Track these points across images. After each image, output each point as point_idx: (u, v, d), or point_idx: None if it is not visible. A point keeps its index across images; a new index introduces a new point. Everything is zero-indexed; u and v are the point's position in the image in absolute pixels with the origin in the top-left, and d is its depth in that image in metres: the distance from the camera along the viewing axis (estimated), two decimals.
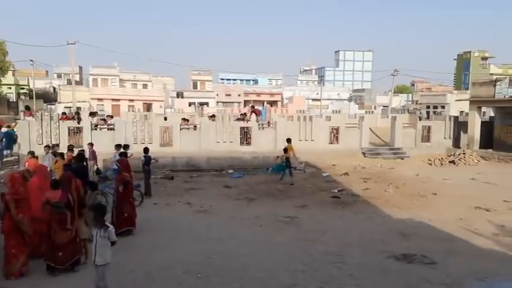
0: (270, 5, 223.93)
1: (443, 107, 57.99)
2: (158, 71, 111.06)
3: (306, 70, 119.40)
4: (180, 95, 63.92)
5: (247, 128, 23.22)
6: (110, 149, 16.18)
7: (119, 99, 55.48)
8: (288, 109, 54.09)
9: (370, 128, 26.22)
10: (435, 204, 13.39)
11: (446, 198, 14.20)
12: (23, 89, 65.90)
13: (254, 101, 63.77)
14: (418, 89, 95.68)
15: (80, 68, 73.59)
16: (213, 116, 25.86)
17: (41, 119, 20.15)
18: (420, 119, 30.28)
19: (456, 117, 28.48)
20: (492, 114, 28.76)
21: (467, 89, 63.02)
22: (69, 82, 54.32)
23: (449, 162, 22.47)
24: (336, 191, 15.38)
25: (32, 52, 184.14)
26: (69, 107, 38.95)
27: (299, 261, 8.19)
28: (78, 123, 21.10)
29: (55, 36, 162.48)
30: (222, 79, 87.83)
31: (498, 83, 24.00)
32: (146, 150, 15.02)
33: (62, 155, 13.40)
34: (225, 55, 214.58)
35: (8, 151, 20.55)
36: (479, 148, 24.80)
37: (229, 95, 69.33)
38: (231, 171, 19.74)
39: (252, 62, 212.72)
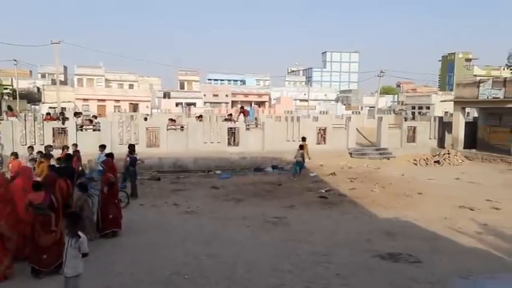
0: (258, 6, 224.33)
1: (428, 108, 58.85)
2: (145, 71, 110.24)
3: (293, 71, 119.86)
4: (167, 95, 63.58)
5: (234, 128, 23.20)
6: (95, 149, 16.01)
7: (104, 100, 54.98)
8: (275, 110, 54.26)
9: (356, 129, 26.41)
10: (420, 203, 13.55)
11: (431, 197, 14.39)
12: (6, 89, 64.59)
13: (242, 101, 63.80)
14: (403, 90, 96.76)
15: (65, 67, 72.69)
16: (201, 116, 25.79)
17: (25, 120, 19.85)
18: (406, 120, 30.64)
19: (441, 118, 28.88)
20: (476, 115, 29.23)
21: (451, 90, 63.99)
22: (53, 82, 53.57)
23: (434, 162, 22.76)
24: (323, 191, 15.46)
25: (16, 52, 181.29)
26: (54, 108, 38.45)
27: (286, 262, 8.21)
28: (63, 123, 20.82)
29: (39, 36, 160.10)
30: (209, 79, 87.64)
31: (481, 84, 24.40)
32: (132, 147, 14.86)
33: (47, 156, 13.20)
34: (213, 55, 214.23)
35: None
36: (463, 148, 25.18)
37: (217, 95, 69.22)
38: (218, 171, 19.70)
39: (240, 62, 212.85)
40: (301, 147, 18.90)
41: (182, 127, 23.70)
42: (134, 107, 54.19)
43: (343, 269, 7.86)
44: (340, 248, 9.17)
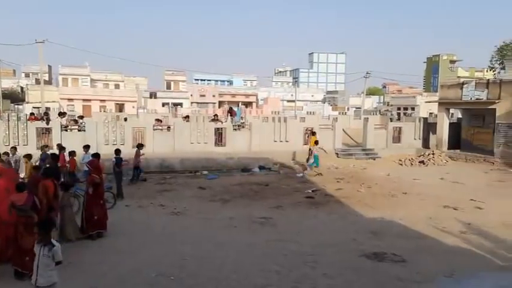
0: (245, 6, 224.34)
1: (413, 109, 59.57)
2: (131, 71, 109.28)
3: (280, 71, 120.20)
4: (153, 95, 63.13)
5: (221, 129, 23.15)
6: (80, 150, 15.80)
7: (90, 100, 54.40)
8: (263, 110, 54.34)
9: (343, 129, 26.58)
10: (406, 203, 13.70)
11: (416, 197, 14.56)
12: None
13: (229, 102, 63.68)
14: (389, 91, 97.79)
15: (49, 67, 71.66)
16: (187, 116, 25.67)
17: (8, 120, 19.50)
18: (391, 121, 30.99)
19: (425, 119, 29.25)
20: (460, 116, 29.66)
21: (436, 91, 64.74)
22: (37, 82, 52.83)
23: (419, 162, 23.03)
24: (310, 191, 15.52)
25: None
26: (38, 107, 37.86)
27: (273, 262, 8.22)
28: (47, 124, 20.52)
29: (23, 35, 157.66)
30: (196, 79, 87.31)
31: (465, 85, 24.78)
32: (118, 151, 14.76)
33: (29, 156, 13.01)
34: (200, 56, 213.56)
35: None
36: (448, 149, 25.52)
37: (204, 95, 68.94)
38: (205, 172, 19.61)
39: (227, 63, 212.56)
40: (317, 142, 20.51)
41: (169, 127, 23.56)
42: (120, 107, 53.71)
43: (329, 269, 7.90)
44: (326, 247, 9.21)
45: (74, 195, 11.71)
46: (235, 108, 29.19)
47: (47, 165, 11.52)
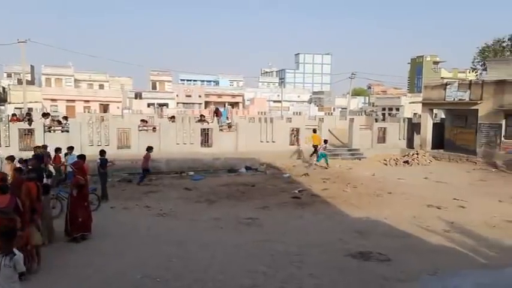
0: (230, 7, 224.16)
1: (397, 109, 60.21)
2: (115, 72, 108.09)
3: (267, 72, 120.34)
4: (138, 95, 62.60)
5: (208, 129, 23.08)
6: (64, 151, 15.60)
7: (73, 100, 53.75)
8: (249, 110, 54.34)
9: (329, 130, 26.75)
10: (390, 203, 13.85)
11: (401, 197, 14.74)
12: None
13: (215, 102, 63.56)
14: (374, 92, 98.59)
15: (32, 67, 70.38)
16: (173, 117, 25.51)
17: None
18: (376, 121, 31.32)
19: (410, 119, 29.63)
20: (443, 116, 30.10)
21: (420, 91, 65.60)
22: (19, 82, 51.80)
23: (404, 162, 23.30)
24: (296, 191, 15.57)
25: None
26: (20, 108, 37.18)
27: (260, 263, 8.22)
28: (30, 124, 20.18)
29: (5, 34, 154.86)
30: (182, 80, 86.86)
31: (448, 86, 25.17)
32: (102, 152, 14.60)
33: (12, 158, 12.78)
34: (186, 56, 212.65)
35: None
36: (431, 148, 25.88)
37: (190, 96, 68.62)
38: (191, 173, 19.53)
39: (213, 63, 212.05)
40: (326, 141, 22.15)
41: (154, 128, 23.39)
42: (105, 108, 53.14)
43: (315, 269, 7.94)
44: (313, 247, 9.25)
45: (56, 198, 11.57)
46: (221, 109, 29.17)
47: (29, 167, 11.33)
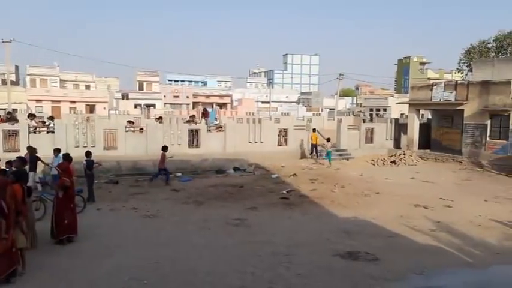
0: (219, 8, 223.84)
1: (385, 110, 60.70)
2: (102, 72, 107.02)
3: (255, 73, 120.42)
4: (125, 96, 62.10)
5: (195, 130, 22.97)
6: (49, 152, 15.38)
7: (59, 101, 53.07)
8: (237, 111, 54.27)
9: (317, 130, 26.84)
10: (378, 202, 13.95)
11: (388, 196, 14.85)
12: None
13: (203, 103, 63.31)
14: (361, 93, 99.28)
15: (16, 67, 69.20)
16: (160, 118, 25.33)
17: None
18: (364, 121, 31.55)
19: (397, 120, 29.90)
20: (430, 117, 30.43)
21: (407, 92, 66.33)
22: (4, 82, 50.99)
23: (391, 162, 23.50)
24: (284, 192, 15.57)
25: None
26: (4, 109, 36.56)
27: (248, 263, 8.20)
28: (12, 123, 19.83)
29: None
30: (169, 80, 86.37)
31: (434, 87, 25.48)
32: (88, 153, 14.43)
33: None
34: (173, 56, 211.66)
35: None
36: (418, 149, 26.16)
37: (178, 96, 68.34)
38: (179, 174, 19.39)
39: (201, 63, 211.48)
40: (329, 140, 23.66)
41: (141, 129, 23.20)
42: (91, 109, 52.62)
43: (303, 269, 7.94)
44: (301, 248, 9.26)
45: (39, 200, 11.40)
46: (209, 109, 29.04)
47: (14, 169, 11.13)
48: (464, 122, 23.51)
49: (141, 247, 9.21)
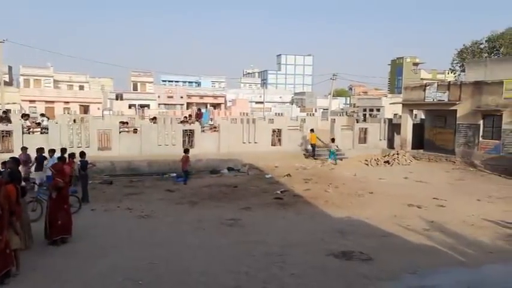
0: (213, 8, 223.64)
1: (378, 110, 60.94)
2: (96, 72, 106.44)
3: (249, 73, 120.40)
4: (119, 96, 61.84)
5: (190, 130, 22.96)
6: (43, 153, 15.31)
7: (53, 101, 52.76)
8: (231, 112, 54.20)
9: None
10: (372, 202, 14.02)
11: (382, 196, 14.93)
12: None
13: (197, 103, 63.24)
14: (355, 93, 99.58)
15: (10, 67, 68.66)
16: (155, 118, 25.29)
17: None
18: (357, 122, 31.62)
19: (390, 120, 30.05)
20: (423, 117, 30.62)
21: (400, 92, 66.63)
22: None
23: (384, 162, 23.62)
24: (278, 192, 15.61)
25: None
26: None
27: (242, 263, 8.21)
28: (6, 123, 19.70)
29: None
30: (164, 81, 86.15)
31: (427, 87, 25.64)
32: (82, 154, 14.40)
33: None
34: (167, 56, 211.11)
35: None
36: (411, 149, 26.30)
37: (172, 97, 68.14)
38: (173, 174, 19.39)
39: (195, 64, 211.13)
40: (333, 140, 24.17)
41: (135, 129, 23.14)
42: (85, 109, 52.33)
43: (297, 269, 7.97)
44: (295, 248, 9.29)
45: (36, 200, 11.36)
46: (203, 110, 29.07)
47: (8, 169, 11.07)
48: (457, 122, 23.67)
49: (136, 247, 9.20)
